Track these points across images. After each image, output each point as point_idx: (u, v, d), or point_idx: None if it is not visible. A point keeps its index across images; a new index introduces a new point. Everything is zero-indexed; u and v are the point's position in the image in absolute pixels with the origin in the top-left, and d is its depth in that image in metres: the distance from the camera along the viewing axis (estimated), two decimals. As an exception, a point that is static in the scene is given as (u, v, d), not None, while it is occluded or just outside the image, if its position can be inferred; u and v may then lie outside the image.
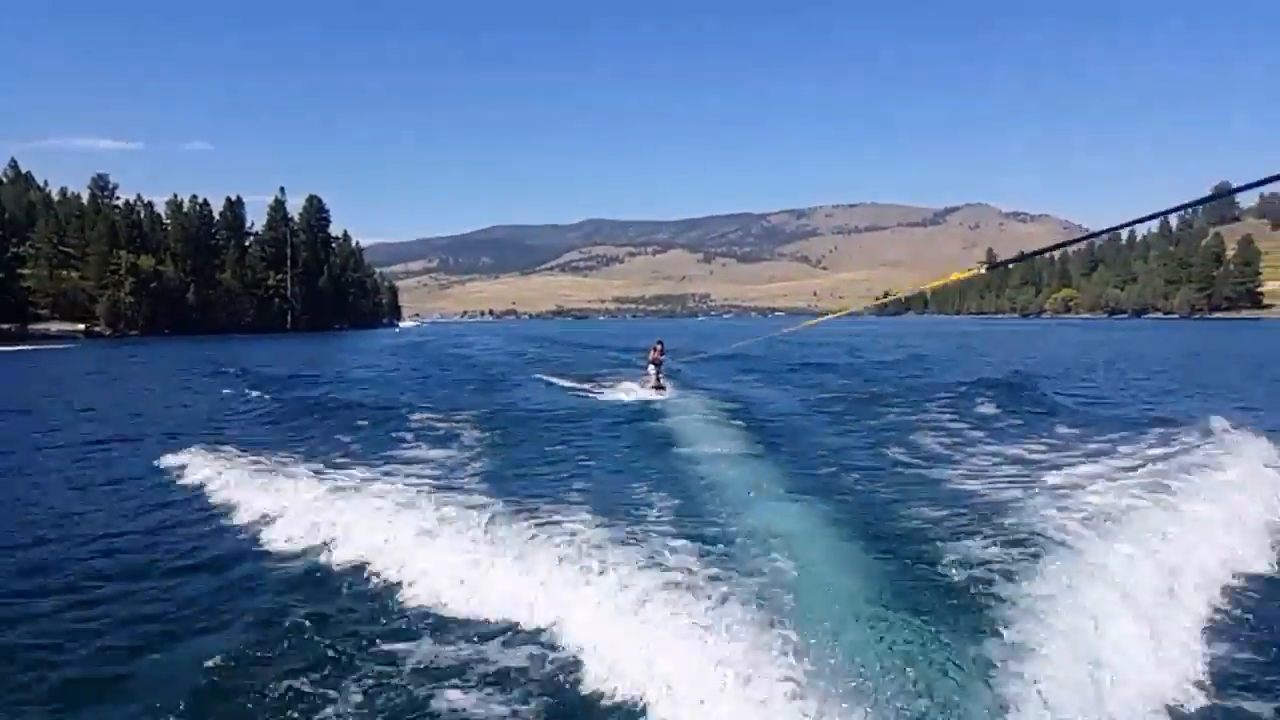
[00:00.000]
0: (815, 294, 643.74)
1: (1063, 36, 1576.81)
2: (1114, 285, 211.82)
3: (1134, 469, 11.19)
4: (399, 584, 7.47)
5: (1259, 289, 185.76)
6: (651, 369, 24.39)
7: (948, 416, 18.10)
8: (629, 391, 24.23)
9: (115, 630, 6.83)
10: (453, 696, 5.57)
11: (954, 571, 7.10)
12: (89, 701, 5.74)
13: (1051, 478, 11.02)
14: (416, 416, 18.85)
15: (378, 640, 6.38)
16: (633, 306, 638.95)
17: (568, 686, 5.68)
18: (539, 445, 15.07)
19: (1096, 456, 12.75)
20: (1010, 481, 11.01)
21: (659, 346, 24.81)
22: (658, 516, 9.13)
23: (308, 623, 6.68)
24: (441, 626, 6.63)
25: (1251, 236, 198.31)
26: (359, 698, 5.55)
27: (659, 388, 23.60)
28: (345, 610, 7.00)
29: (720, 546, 7.74)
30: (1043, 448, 13.87)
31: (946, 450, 14.02)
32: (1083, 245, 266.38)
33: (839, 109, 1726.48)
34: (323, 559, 8.35)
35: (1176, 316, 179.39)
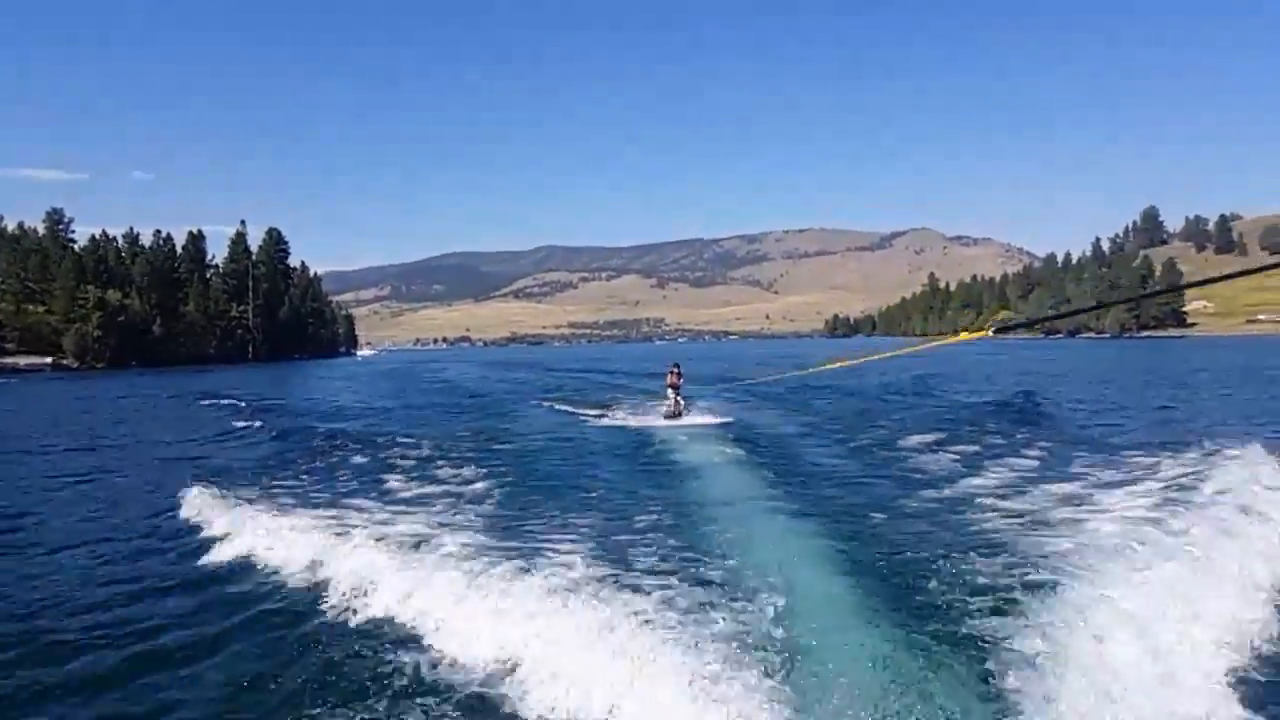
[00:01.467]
0: (768, 317, 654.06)
1: (997, 66, 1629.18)
2: (1050, 306, 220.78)
3: (1152, 494, 11.05)
4: (388, 619, 7.54)
5: (1183, 309, 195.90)
6: (670, 393, 23.64)
7: (958, 439, 17.79)
8: (644, 418, 23.68)
9: (105, 669, 6.96)
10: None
11: (963, 602, 7.06)
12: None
13: (1065, 503, 10.98)
14: (409, 446, 18.60)
15: (364, 678, 6.49)
16: (587, 332, 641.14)
17: None
18: (542, 475, 14.89)
19: (1115, 480, 12.56)
20: (1023, 506, 11.03)
21: (676, 370, 23.97)
22: (658, 551, 9.01)
23: (294, 659, 6.92)
24: (428, 662, 6.68)
25: (1175, 260, 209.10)
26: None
27: (675, 415, 22.98)
28: (332, 645, 7.13)
29: (722, 582, 7.73)
30: (1056, 472, 13.63)
31: (960, 474, 13.84)
32: (1020, 268, 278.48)
33: (788, 134, 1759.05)
34: (313, 594, 8.36)
35: (1108, 335, 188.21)
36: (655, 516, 11.00)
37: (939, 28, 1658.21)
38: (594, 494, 12.92)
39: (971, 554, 8.57)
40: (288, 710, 6.09)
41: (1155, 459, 13.96)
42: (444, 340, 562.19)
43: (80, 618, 8.18)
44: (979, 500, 11.68)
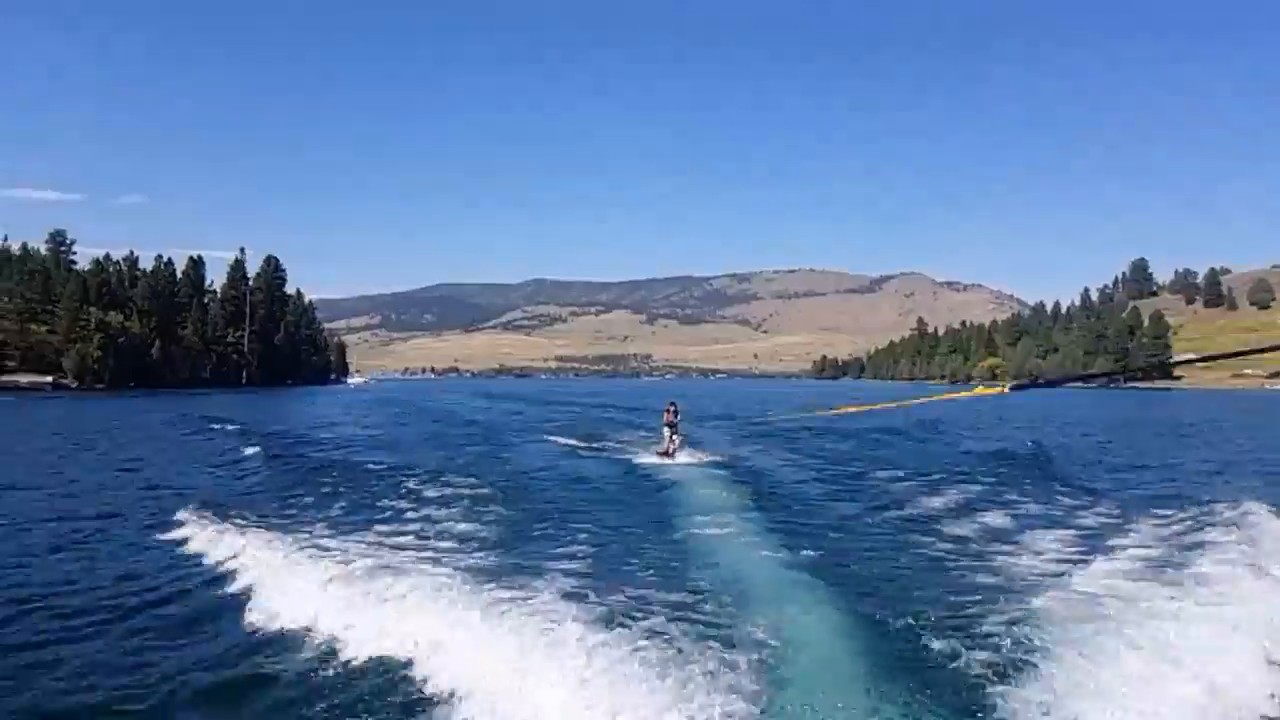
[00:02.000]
0: (756, 356, 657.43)
1: (994, 112, 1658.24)
2: (1036, 355, 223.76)
3: (1156, 553, 10.77)
4: (373, 657, 7.37)
5: (1169, 360, 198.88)
6: (666, 431, 23.68)
7: (965, 492, 17.32)
8: (639, 455, 23.87)
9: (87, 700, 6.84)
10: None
11: (964, 658, 6.87)
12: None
13: (1064, 558, 10.84)
14: (405, 474, 18.71)
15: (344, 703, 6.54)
16: (575, 366, 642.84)
17: None
18: (532, 511, 14.62)
19: (1117, 537, 12.34)
20: (1024, 562, 10.80)
21: (672, 408, 24.04)
22: (651, 592, 8.77)
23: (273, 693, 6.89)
24: (414, 701, 6.56)
25: (1161, 312, 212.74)
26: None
27: (668, 453, 23.03)
28: (311, 679, 7.09)
29: (714, 626, 7.57)
30: (1057, 524, 13.56)
31: (972, 530, 13.37)
32: (1009, 315, 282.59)
33: (781, 175, 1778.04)
34: (295, 621, 8.28)
35: (1094, 386, 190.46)
36: (644, 545, 11.47)
37: (934, 74, 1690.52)
38: (585, 524, 13.15)
39: (975, 608, 8.47)
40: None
41: (1171, 520, 13.77)
42: (432, 370, 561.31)
43: (59, 645, 8.10)
44: (966, 538, 12.25)
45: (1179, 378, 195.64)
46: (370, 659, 7.26)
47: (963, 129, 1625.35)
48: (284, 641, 7.93)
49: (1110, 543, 11.83)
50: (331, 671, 7.15)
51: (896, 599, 8.66)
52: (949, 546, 11.94)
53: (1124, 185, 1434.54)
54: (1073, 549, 11.51)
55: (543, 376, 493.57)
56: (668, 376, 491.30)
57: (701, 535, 12.41)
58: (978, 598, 8.67)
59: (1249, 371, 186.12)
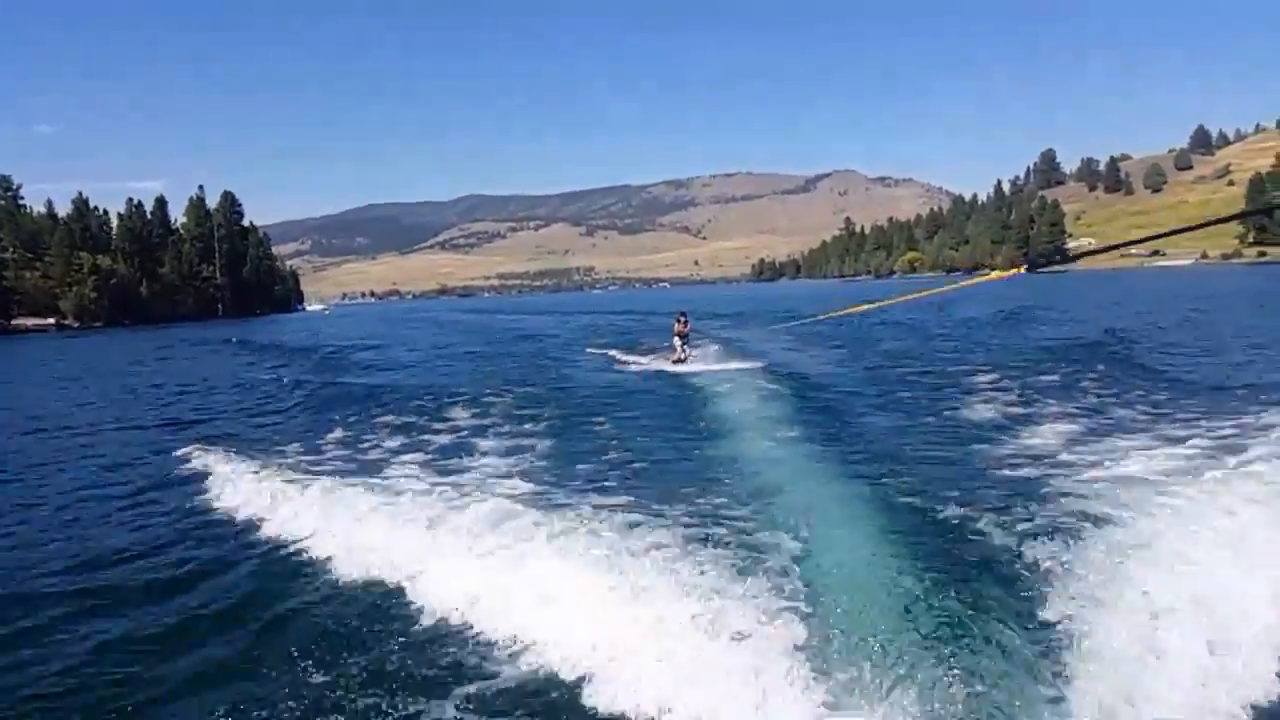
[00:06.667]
0: (697, 263, 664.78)
1: (905, 9, 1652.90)
2: (950, 248, 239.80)
3: (1217, 446, 9.77)
4: (392, 582, 7.26)
5: (1066, 246, 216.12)
6: (677, 341, 24.01)
7: (1005, 386, 16.21)
8: (651, 363, 24.49)
9: (104, 639, 6.66)
10: (445, 707, 5.43)
11: (1004, 559, 6.64)
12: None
13: (1116, 453, 9.98)
14: (418, 394, 18.57)
15: (370, 649, 6.21)
16: (518, 283, 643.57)
17: (565, 695, 5.48)
18: (551, 419, 14.57)
19: (1177, 429, 11.20)
20: (1073, 457, 9.99)
21: (683, 319, 24.41)
22: (675, 498, 8.55)
23: (297, 626, 6.66)
24: (438, 629, 6.43)
25: (1058, 200, 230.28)
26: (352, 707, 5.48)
27: (681, 360, 23.37)
28: (325, 608, 6.97)
29: (739, 533, 7.31)
30: (1110, 420, 12.49)
31: (1007, 422, 12.69)
32: (928, 212, 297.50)
33: (713, 77, 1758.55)
34: (317, 557, 8.09)
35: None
36: (678, 461, 11.04)
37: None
38: (622, 437, 12.94)
39: (1014, 505, 7.95)
40: (274, 677, 5.92)
41: (1236, 410, 12.20)
42: (372, 294, 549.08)
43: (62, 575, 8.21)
44: (1032, 450, 10.83)
45: (1075, 259, 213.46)
46: (408, 587, 7.08)
47: (892, 21, 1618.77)
48: (324, 576, 7.66)
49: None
50: (371, 602, 6.97)
51: (941, 504, 8.19)
52: (1002, 445, 11.15)
53: (1041, 75, 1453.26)
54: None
55: (485, 295, 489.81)
56: (611, 288, 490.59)
57: (729, 440, 12.34)
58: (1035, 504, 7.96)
59: (1134, 252, 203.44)
